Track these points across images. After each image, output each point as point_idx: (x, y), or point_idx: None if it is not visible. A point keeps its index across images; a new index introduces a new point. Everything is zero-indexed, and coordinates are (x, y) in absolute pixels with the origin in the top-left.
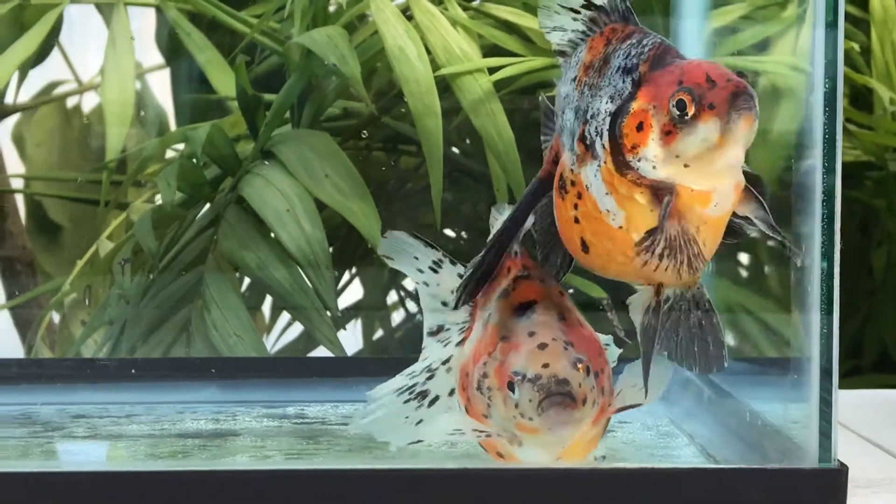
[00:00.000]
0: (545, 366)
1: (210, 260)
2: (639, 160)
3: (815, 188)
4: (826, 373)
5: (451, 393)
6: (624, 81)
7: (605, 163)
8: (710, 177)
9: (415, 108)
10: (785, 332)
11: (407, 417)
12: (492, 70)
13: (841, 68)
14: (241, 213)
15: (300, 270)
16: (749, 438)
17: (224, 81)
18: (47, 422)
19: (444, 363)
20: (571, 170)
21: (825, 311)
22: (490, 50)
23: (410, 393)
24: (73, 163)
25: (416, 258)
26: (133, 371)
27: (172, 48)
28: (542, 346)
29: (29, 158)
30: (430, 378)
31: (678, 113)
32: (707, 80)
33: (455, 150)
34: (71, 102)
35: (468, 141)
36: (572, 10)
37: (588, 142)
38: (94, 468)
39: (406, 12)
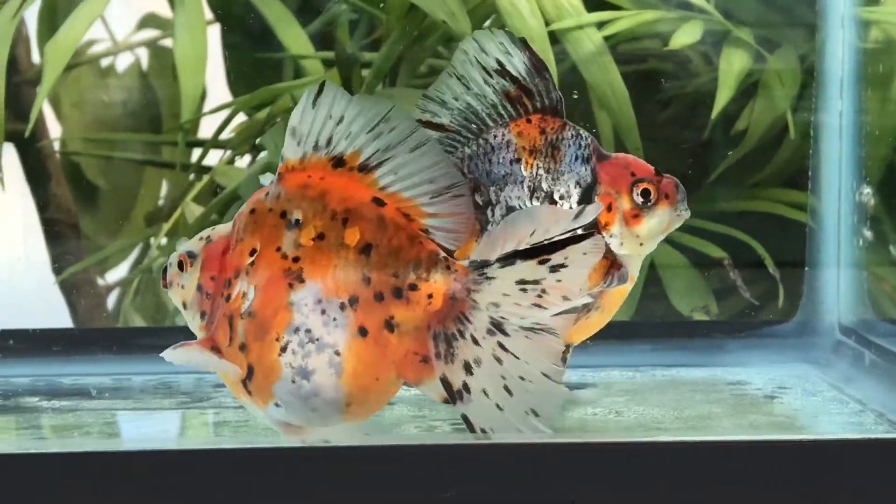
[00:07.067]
0: None
1: None
2: (610, 237)
3: None
4: None
5: None
6: (585, 170)
7: None
8: (645, 253)
9: None
10: None
11: None
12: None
13: None
14: None
15: None
16: None
17: (294, 38)
18: (189, 392)
19: None
20: None
21: None
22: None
23: None
24: (109, 123)
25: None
26: None
27: (224, 5)
28: None
29: (65, 118)
30: None
31: (642, 200)
32: (656, 174)
33: None
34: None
35: None
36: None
37: None
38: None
39: None
